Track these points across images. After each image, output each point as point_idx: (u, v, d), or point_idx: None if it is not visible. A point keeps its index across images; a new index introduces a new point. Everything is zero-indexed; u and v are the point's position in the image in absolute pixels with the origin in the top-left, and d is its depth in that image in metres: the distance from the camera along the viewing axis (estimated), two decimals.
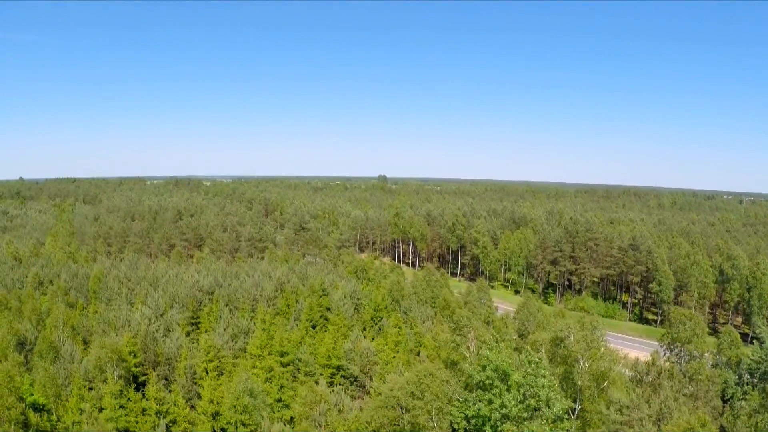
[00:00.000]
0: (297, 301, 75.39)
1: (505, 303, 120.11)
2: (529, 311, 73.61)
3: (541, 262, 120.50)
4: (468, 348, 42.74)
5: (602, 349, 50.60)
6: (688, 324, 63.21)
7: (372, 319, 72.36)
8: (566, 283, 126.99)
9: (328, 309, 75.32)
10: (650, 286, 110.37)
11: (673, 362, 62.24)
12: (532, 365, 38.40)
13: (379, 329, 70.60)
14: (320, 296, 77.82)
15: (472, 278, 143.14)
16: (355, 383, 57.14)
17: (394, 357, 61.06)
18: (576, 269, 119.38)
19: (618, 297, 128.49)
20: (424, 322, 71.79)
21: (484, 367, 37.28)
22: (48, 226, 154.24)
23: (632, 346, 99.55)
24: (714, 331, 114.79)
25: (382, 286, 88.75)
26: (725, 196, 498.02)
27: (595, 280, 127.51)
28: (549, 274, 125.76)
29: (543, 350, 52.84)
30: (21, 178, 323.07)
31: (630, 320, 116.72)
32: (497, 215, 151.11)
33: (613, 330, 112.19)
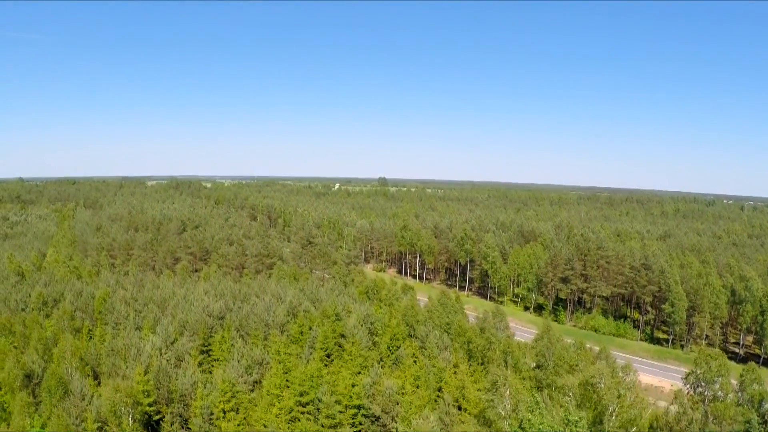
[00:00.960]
0: (310, 328, 73.58)
1: (514, 321, 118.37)
2: (550, 341, 71.95)
3: (552, 280, 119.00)
4: (504, 406, 41.08)
5: (634, 396, 49.26)
6: (713, 363, 62.01)
7: (388, 348, 70.69)
8: (576, 299, 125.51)
9: (343, 336, 73.57)
10: (663, 306, 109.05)
11: (697, 401, 60.99)
12: (573, 424, 36.92)
13: (396, 359, 69.00)
14: (334, 321, 76.10)
15: (480, 292, 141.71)
16: (376, 422, 55.42)
17: (413, 392, 59.49)
18: (587, 287, 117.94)
19: (628, 313, 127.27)
20: (441, 352, 70.04)
21: (524, 431, 35.79)
22: (49, 234, 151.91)
23: (645, 370, 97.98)
24: (725, 351, 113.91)
25: (395, 308, 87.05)
26: (725, 200, 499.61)
27: (605, 296, 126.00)
28: (559, 290, 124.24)
29: (572, 394, 51.39)
30: (20, 178, 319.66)
31: (641, 339, 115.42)
32: (505, 228, 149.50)
33: (625, 351, 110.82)
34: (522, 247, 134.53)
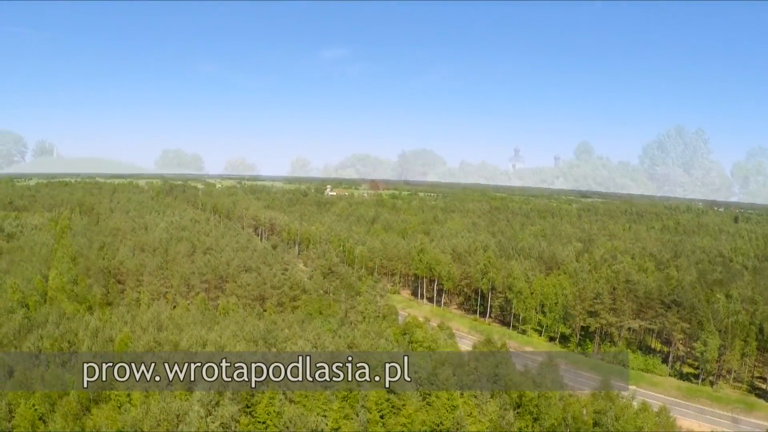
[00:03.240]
0: (359, 385, 68.93)
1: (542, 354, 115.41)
2: (610, 397, 68.84)
3: (580, 313, 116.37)
4: None
5: None
6: None
7: (446, 409, 66.59)
8: (602, 330, 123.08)
9: (393, 391, 69.34)
10: (695, 345, 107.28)
11: None
12: None
13: (455, 420, 65.19)
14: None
15: (501, 319, 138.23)
16: None
17: None
18: (616, 321, 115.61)
19: (652, 344, 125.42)
20: (501, 412, 66.27)
21: None
22: (48, 249, 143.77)
23: (682, 412, 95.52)
24: (752, 387, 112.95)
25: (438, 354, 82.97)
26: (716, 208, 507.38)
27: (633, 327, 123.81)
28: (589, 324, 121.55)
29: None
30: (10, 176, 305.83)
31: (669, 374, 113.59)
32: (525, 254, 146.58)
33: (656, 389, 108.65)
34: (545, 276, 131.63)
